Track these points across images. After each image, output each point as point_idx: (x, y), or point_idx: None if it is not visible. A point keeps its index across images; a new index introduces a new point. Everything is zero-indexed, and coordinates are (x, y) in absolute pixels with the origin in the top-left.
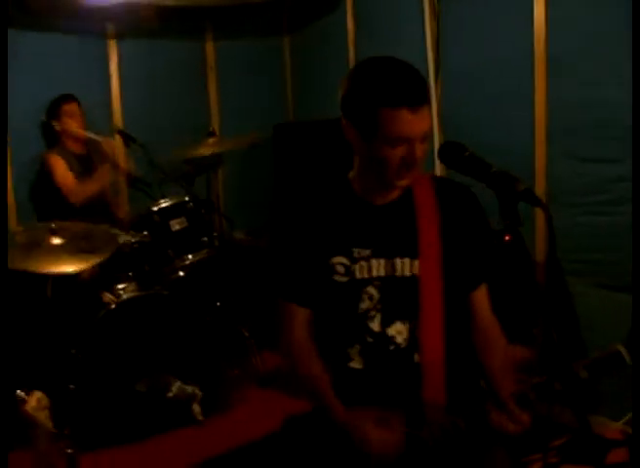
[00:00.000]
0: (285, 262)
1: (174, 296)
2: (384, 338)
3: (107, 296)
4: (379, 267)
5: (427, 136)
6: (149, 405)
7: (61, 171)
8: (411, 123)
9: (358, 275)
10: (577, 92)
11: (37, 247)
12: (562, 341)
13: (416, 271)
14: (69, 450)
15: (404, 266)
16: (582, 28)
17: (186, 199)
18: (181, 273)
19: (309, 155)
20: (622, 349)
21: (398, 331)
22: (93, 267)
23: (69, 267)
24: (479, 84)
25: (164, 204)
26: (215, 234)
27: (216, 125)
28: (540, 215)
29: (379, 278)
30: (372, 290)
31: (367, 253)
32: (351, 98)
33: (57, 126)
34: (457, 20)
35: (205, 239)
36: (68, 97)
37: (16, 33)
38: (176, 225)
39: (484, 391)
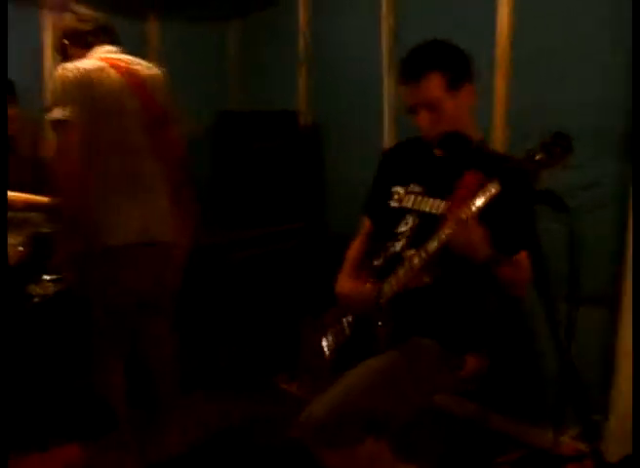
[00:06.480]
0: (372, 186)
1: None
2: (399, 258)
3: (34, 289)
4: (423, 203)
5: (431, 106)
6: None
7: None
8: (406, 93)
9: (405, 204)
10: (539, 95)
11: None
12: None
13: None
14: None
15: (440, 207)
16: (549, 30)
17: None
18: None
19: (251, 146)
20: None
21: (411, 255)
22: (20, 254)
23: None
24: None
25: None
26: None
27: None
28: None
29: (419, 211)
30: (410, 218)
31: (419, 189)
32: None
33: None
34: (416, 14)
35: None
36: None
37: None
38: None
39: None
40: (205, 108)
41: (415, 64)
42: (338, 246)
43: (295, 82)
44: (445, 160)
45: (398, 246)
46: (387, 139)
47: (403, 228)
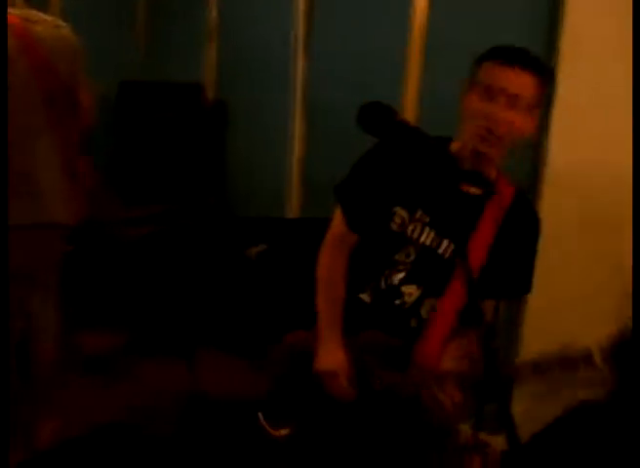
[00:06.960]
0: (360, 188)
1: None
2: (396, 292)
3: None
4: (427, 236)
5: (520, 105)
6: None
7: None
8: (503, 75)
9: (408, 232)
10: (451, 87)
11: None
12: None
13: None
14: None
15: (447, 248)
16: (463, 25)
17: None
18: None
19: (153, 118)
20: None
21: (410, 292)
22: None
23: None
24: (348, 67)
25: None
26: None
27: None
28: None
29: (422, 245)
30: (411, 250)
31: (426, 219)
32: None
33: None
34: None
35: None
36: None
37: None
38: None
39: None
40: (110, 78)
41: (528, 56)
42: (239, 227)
43: (202, 55)
44: (468, 200)
45: (396, 278)
46: (295, 118)
47: (404, 258)
